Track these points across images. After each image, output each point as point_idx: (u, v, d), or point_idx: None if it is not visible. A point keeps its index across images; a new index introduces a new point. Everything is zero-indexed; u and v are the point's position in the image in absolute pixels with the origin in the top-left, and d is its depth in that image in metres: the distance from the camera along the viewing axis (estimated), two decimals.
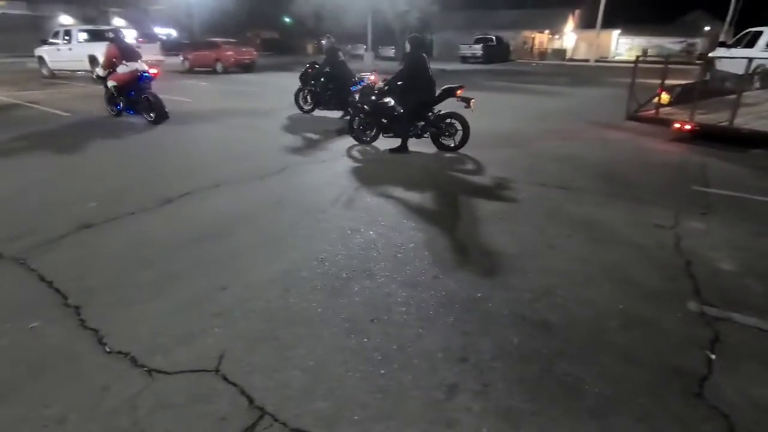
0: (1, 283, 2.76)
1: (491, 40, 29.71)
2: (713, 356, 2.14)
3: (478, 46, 28.79)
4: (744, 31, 12.44)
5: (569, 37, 38.23)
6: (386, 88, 5.82)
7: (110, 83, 7.67)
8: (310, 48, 40.68)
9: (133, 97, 7.70)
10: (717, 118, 6.54)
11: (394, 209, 3.98)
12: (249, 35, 38.41)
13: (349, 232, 3.51)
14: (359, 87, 7.42)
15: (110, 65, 7.55)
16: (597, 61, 30.20)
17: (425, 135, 5.91)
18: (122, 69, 7.49)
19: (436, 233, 3.49)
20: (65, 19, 29.29)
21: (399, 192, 4.43)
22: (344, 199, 4.24)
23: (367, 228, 3.57)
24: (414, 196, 4.32)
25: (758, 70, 9.50)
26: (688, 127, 6.42)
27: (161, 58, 16.00)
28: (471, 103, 5.69)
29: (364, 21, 27.38)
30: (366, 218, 3.77)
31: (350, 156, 5.81)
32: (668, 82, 7.15)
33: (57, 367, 2.06)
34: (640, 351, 2.19)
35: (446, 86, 5.76)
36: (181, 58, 20.11)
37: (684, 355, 2.17)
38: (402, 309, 2.51)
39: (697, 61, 20.86)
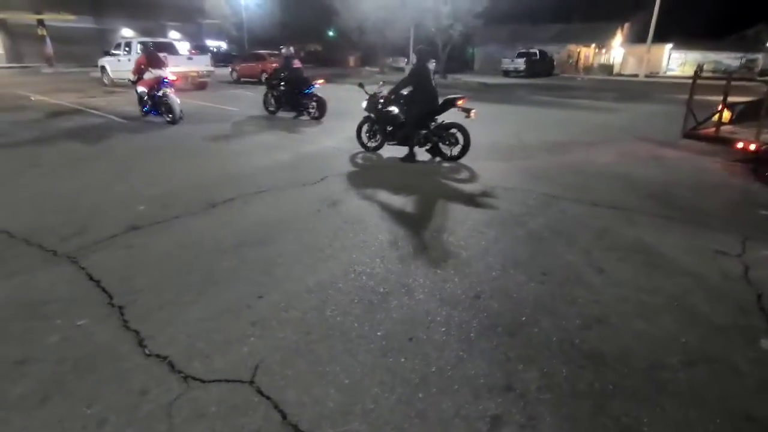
0: (54, 281, 2.87)
1: (534, 54, 29.21)
2: None
3: (521, 60, 28.39)
4: None
5: (617, 52, 37.03)
6: (392, 97, 5.99)
7: (139, 88, 8.66)
8: (351, 61, 41.47)
9: (156, 99, 8.59)
10: None
11: (432, 223, 3.89)
12: (294, 47, 39.67)
13: (387, 245, 3.45)
14: (312, 90, 9.09)
15: (139, 71, 8.60)
16: (647, 76, 29.01)
17: (428, 144, 6.00)
18: (148, 75, 8.53)
19: (476, 250, 3.37)
20: (126, 32, 31.29)
21: (435, 206, 4.33)
22: (378, 210, 4.19)
23: (405, 242, 3.50)
24: (450, 211, 4.20)
25: None
26: (752, 147, 5.96)
27: (211, 68, 16.69)
28: (471, 114, 5.83)
29: (407, 34, 27.70)
30: (403, 231, 3.70)
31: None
32: (729, 99, 6.70)
33: (100, 367, 2.10)
34: (707, 392, 1.98)
35: (448, 96, 5.90)
36: (230, 69, 21.03)
37: (758, 401, 1.94)
38: (441, 329, 2.41)
39: (760, 78, 19.59)
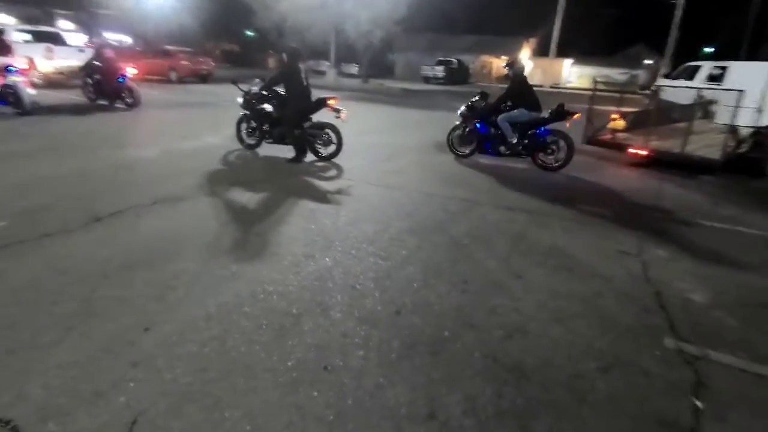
0: None
1: (453, 62, 30.58)
2: (700, 405, 1.96)
3: (440, 68, 29.59)
4: (683, 65, 13.30)
5: (526, 64, 39.99)
6: (264, 94, 5.97)
7: None
8: (271, 62, 40.14)
9: (1, 89, 8.00)
10: (668, 144, 6.77)
11: (352, 233, 3.68)
12: (209, 46, 37.39)
13: (302, 258, 3.17)
14: (124, 81, 9.59)
15: None
16: (551, 86, 31.66)
17: (302, 142, 5.98)
18: None
19: (398, 261, 3.21)
20: (6, 19, 27.25)
21: (357, 214, 4.13)
22: (297, 219, 3.89)
23: (323, 254, 3.25)
24: (372, 220, 4.03)
25: (701, 100, 10.08)
26: (643, 152, 6.59)
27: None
28: (342, 115, 5.96)
29: (328, 38, 27.37)
30: (321, 242, 3.44)
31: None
32: (620, 109, 7.39)
33: None
34: (623, 399, 1.99)
35: (319, 97, 6.03)
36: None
37: (669, 402, 1.99)
38: (360, 353, 2.19)
39: (644, 91, 22.21)
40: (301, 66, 5.87)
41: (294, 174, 5.48)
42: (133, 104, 9.71)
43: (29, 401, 1.78)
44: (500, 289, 2.89)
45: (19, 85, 7.92)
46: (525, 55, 39.46)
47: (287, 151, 6.05)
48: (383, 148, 7.20)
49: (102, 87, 9.68)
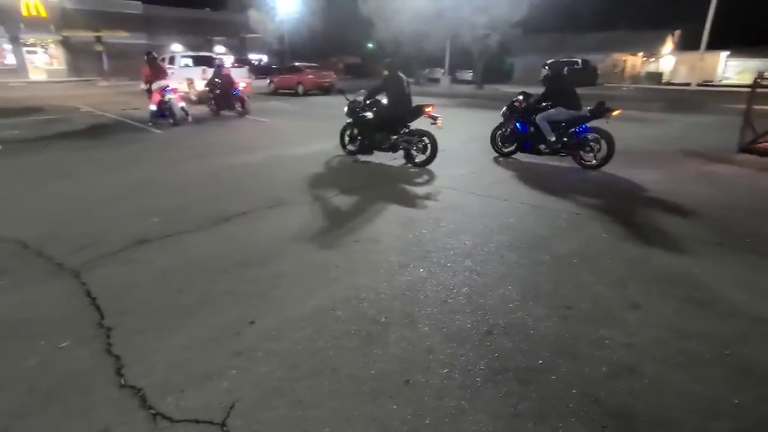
0: (53, 297, 2.82)
1: (576, 62, 28.25)
2: None
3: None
4: None
5: (666, 60, 35.16)
6: (367, 102, 6.32)
7: (152, 106, 9.93)
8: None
9: (162, 105, 9.88)
10: None
11: (449, 244, 3.60)
12: (333, 60, 40.37)
13: (397, 267, 3.20)
14: (238, 92, 11.54)
15: (147, 82, 10.10)
16: (699, 85, 27.30)
17: (400, 148, 6.22)
18: (155, 86, 9.90)
19: (495, 278, 3.05)
20: (176, 47, 32.94)
21: (455, 224, 4.04)
22: (394, 228, 3.95)
23: (418, 264, 3.24)
24: (471, 231, 3.90)
25: None
26: None
27: (248, 80, 17.18)
28: (438, 122, 6.09)
29: (443, 45, 27.50)
30: (417, 252, 3.44)
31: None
32: None
33: (70, 397, 1.97)
34: None
35: (417, 104, 6.19)
36: (268, 81, 21.62)
37: None
38: (443, 371, 2.12)
39: None
40: (402, 75, 6.20)
41: (395, 181, 5.59)
42: (244, 113, 11.69)
43: (155, 375, 2.09)
44: (610, 319, 2.55)
45: (173, 102, 9.83)
46: (666, 50, 34.78)
47: (390, 158, 6.35)
48: (490, 157, 6.95)
49: (221, 99, 11.60)
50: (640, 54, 34.93)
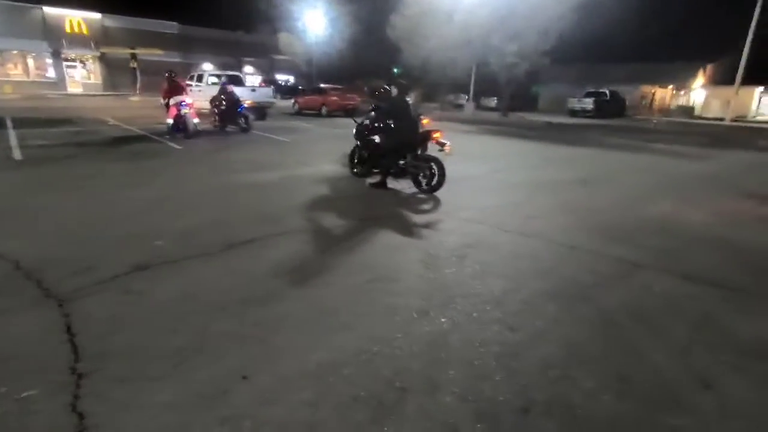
0: (31, 330, 2.51)
1: (604, 93, 27.75)
2: None
3: (589, 100, 27.05)
4: None
5: (697, 93, 34.30)
6: (373, 125, 6.23)
7: (169, 120, 10.60)
8: (413, 97, 41.93)
9: (178, 119, 10.51)
10: None
11: (475, 288, 3.19)
12: (359, 83, 40.96)
13: (416, 314, 2.80)
14: (242, 109, 12.36)
15: (165, 97, 10.76)
16: (733, 120, 26.36)
17: (408, 173, 6.02)
18: (172, 102, 10.54)
19: (530, 334, 2.62)
20: (207, 66, 33.96)
21: (482, 265, 3.62)
22: (414, 266, 3.56)
23: (439, 312, 2.83)
24: (502, 275, 3.47)
25: None
26: None
27: (273, 100, 17.33)
28: (446, 148, 5.94)
29: (469, 72, 27.47)
30: (439, 297, 3.04)
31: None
32: None
33: None
34: None
35: (424, 130, 6.18)
36: (292, 101, 21.86)
37: None
38: None
39: None
40: (409, 100, 6.13)
41: (418, 211, 5.23)
42: (247, 129, 12.30)
43: None
44: (678, 402, 2.08)
45: (187, 116, 10.48)
46: (698, 83, 33.99)
47: (404, 185, 6.15)
48: (521, 189, 6.54)
49: (226, 114, 12.33)
50: (670, 87, 34.19)
